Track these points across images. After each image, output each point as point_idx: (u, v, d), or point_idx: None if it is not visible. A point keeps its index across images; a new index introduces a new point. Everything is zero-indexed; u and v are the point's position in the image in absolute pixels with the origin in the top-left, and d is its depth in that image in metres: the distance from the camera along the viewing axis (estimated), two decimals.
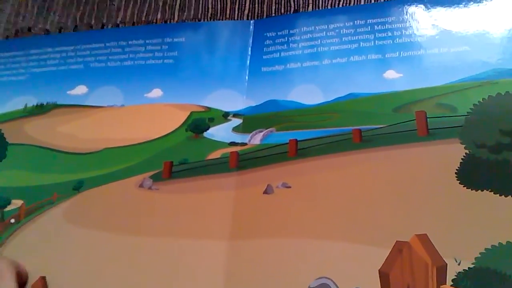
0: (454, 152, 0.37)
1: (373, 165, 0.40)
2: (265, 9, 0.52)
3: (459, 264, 0.33)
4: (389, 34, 0.45)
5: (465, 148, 0.37)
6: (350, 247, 0.36)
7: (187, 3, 0.55)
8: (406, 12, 0.46)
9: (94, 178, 0.45)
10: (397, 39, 0.45)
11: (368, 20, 0.47)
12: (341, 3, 0.50)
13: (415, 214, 0.36)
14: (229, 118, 0.46)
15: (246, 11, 0.53)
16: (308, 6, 0.51)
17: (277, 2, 0.52)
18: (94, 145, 0.47)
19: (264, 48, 0.49)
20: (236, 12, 0.53)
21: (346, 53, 0.46)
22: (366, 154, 0.40)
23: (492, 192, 0.35)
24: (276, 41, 0.49)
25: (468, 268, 0.33)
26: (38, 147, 0.49)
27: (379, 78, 0.43)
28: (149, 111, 0.48)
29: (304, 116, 0.44)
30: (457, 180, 0.36)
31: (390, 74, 0.43)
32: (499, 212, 0.34)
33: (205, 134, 0.46)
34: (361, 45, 0.46)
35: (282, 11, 0.52)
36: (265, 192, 0.41)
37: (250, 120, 0.45)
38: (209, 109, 0.47)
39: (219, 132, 0.46)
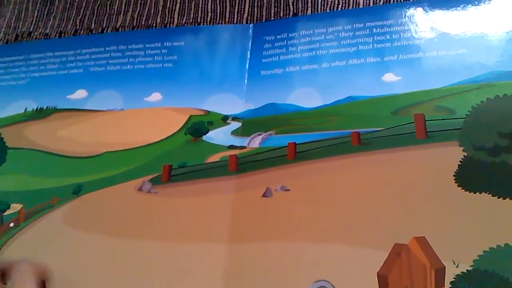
0: (453, 154, 0.37)
1: (371, 168, 0.40)
2: (264, 12, 0.52)
3: (457, 267, 0.33)
4: (388, 37, 0.45)
5: (463, 150, 0.37)
6: (349, 250, 0.36)
7: (186, 7, 0.55)
8: (405, 15, 0.46)
9: (93, 182, 0.45)
10: (395, 42, 0.45)
11: (366, 24, 0.47)
12: (339, 6, 0.50)
13: (413, 217, 0.36)
14: (228, 121, 0.46)
15: (245, 15, 0.53)
16: (307, 9, 0.51)
17: (276, 5, 0.52)
18: (94, 149, 0.48)
19: (263, 52, 0.49)
20: (236, 16, 0.53)
21: (345, 56, 0.46)
22: (364, 157, 0.40)
23: (491, 195, 0.35)
24: (275, 45, 0.49)
25: (467, 270, 0.33)
26: (38, 151, 0.49)
27: (377, 81, 0.43)
28: (148, 115, 0.48)
29: (303, 119, 0.44)
30: (456, 182, 0.36)
31: (389, 77, 0.43)
32: (498, 215, 0.34)
33: (204, 137, 0.46)
34: (359, 48, 0.46)
35: (281, 14, 0.52)
36: (264, 195, 0.41)
37: (249, 124, 0.45)
38: (208, 112, 0.47)
39: (218, 136, 0.46)
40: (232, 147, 0.44)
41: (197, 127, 0.47)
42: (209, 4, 0.55)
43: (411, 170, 0.38)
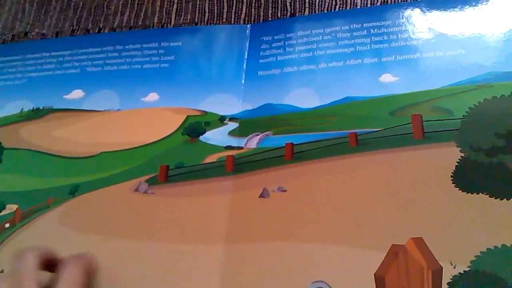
0: (450, 155, 0.37)
1: (369, 168, 0.40)
2: (261, 13, 0.52)
3: (454, 268, 0.33)
4: (385, 37, 0.45)
5: (460, 151, 0.37)
6: (346, 251, 0.36)
7: (183, 7, 0.55)
8: (402, 16, 0.46)
9: (90, 183, 0.45)
10: (393, 42, 0.45)
11: (364, 24, 0.47)
12: (337, 7, 0.50)
13: (411, 218, 0.36)
14: (225, 122, 0.46)
15: (242, 15, 0.53)
16: (304, 10, 0.51)
17: (273, 6, 0.52)
18: (90, 149, 0.47)
19: (261, 52, 0.49)
20: (233, 16, 0.53)
21: (342, 57, 0.46)
22: (362, 158, 0.40)
23: (488, 195, 0.35)
24: (272, 45, 0.49)
25: (464, 271, 0.33)
26: (34, 151, 0.49)
27: (375, 82, 0.43)
28: (145, 115, 0.48)
29: (300, 119, 0.44)
30: (453, 183, 0.36)
31: (386, 77, 0.43)
32: (495, 215, 0.34)
33: (201, 138, 0.46)
34: (357, 48, 0.46)
35: (279, 15, 0.52)
36: (261, 195, 0.41)
37: (246, 124, 0.45)
38: (205, 113, 0.47)
39: (215, 136, 0.46)
40: (229, 147, 0.44)
41: (194, 127, 0.47)
42: (207, 4, 0.55)
43: (408, 171, 0.38)
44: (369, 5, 0.49)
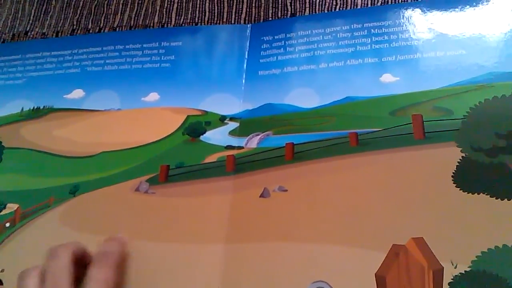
0: (451, 155, 0.37)
1: (369, 168, 0.40)
2: (262, 13, 0.52)
3: (455, 268, 0.33)
4: (386, 38, 0.45)
5: (461, 151, 0.37)
6: (347, 251, 0.36)
7: (184, 7, 0.55)
8: (403, 16, 0.46)
9: (90, 182, 0.45)
10: (393, 42, 0.45)
11: (364, 24, 0.47)
12: (337, 7, 0.50)
13: (411, 218, 0.36)
14: (225, 121, 0.46)
15: (243, 15, 0.53)
16: (305, 10, 0.51)
17: (274, 6, 0.52)
18: (91, 149, 0.47)
19: (261, 52, 0.49)
20: (233, 16, 0.53)
21: (343, 56, 0.46)
22: (362, 158, 0.40)
23: (489, 195, 0.35)
24: (273, 45, 0.49)
25: (465, 271, 0.33)
26: (35, 151, 0.49)
27: (375, 82, 0.43)
28: (146, 115, 0.48)
29: (300, 119, 0.44)
30: (454, 183, 0.36)
31: (387, 77, 0.43)
32: (496, 215, 0.34)
33: (201, 137, 0.46)
34: (357, 48, 0.46)
35: (279, 15, 0.52)
36: (262, 195, 0.41)
37: (247, 124, 0.45)
38: (205, 112, 0.47)
39: (215, 136, 0.46)
40: (229, 147, 0.44)
41: (195, 127, 0.46)
42: (207, 4, 0.55)
43: (409, 171, 0.38)
44: (369, 5, 0.49)
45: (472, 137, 0.37)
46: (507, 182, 0.35)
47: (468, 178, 0.36)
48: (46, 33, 0.58)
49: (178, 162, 0.44)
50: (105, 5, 0.58)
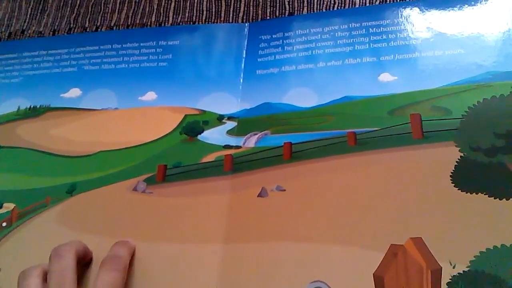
0: (449, 155, 0.37)
1: (368, 168, 0.39)
2: (260, 12, 0.52)
3: (454, 268, 0.33)
4: (384, 37, 0.45)
5: (460, 151, 0.37)
6: (345, 251, 0.36)
7: (181, 5, 0.55)
8: (401, 15, 0.46)
9: (87, 182, 0.45)
10: (392, 42, 0.45)
11: (363, 23, 0.47)
12: (336, 6, 0.50)
13: (410, 217, 0.36)
14: (223, 121, 0.46)
15: (241, 14, 0.53)
16: (303, 9, 0.51)
17: (272, 5, 0.52)
18: (88, 148, 0.47)
19: (259, 51, 0.49)
20: (231, 14, 0.53)
21: (341, 56, 0.46)
22: (361, 157, 0.40)
23: (487, 195, 0.35)
24: (271, 44, 0.49)
25: (463, 271, 0.33)
26: (31, 150, 0.48)
27: (374, 81, 0.43)
28: (143, 114, 0.48)
29: (299, 119, 0.44)
30: (452, 183, 0.36)
31: (385, 77, 0.43)
32: (494, 215, 0.34)
33: (199, 137, 0.46)
34: (356, 48, 0.46)
35: (277, 14, 0.52)
36: (260, 195, 0.41)
37: (245, 123, 0.45)
38: (203, 112, 0.47)
39: (213, 135, 0.46)
40: (227, 146, 0.44)
41: (192, 126, 0.46)
42: (205, 2, 0.55)
43: (407, 171, 0.38)
44: (367, 4, 0.49)
45: (470, 136, 0.37)
46: (505, 181, 0.35)
47: (466, 177, 0.36)
48: (42, 32, 0.58)
49: (176, 161, 0.44)
50: (102, 4, 0.58)
